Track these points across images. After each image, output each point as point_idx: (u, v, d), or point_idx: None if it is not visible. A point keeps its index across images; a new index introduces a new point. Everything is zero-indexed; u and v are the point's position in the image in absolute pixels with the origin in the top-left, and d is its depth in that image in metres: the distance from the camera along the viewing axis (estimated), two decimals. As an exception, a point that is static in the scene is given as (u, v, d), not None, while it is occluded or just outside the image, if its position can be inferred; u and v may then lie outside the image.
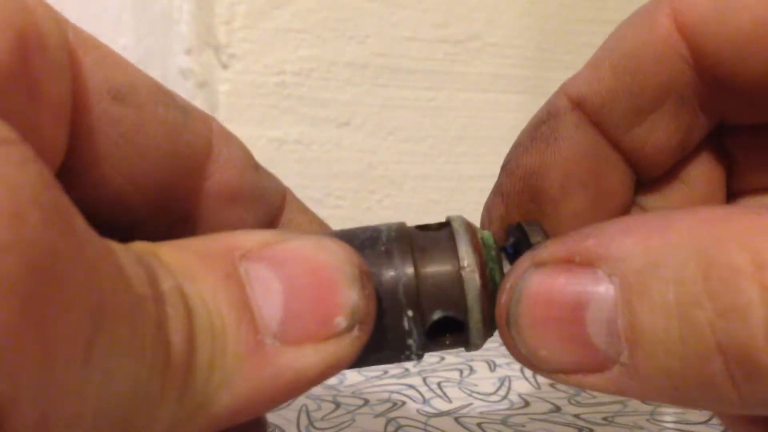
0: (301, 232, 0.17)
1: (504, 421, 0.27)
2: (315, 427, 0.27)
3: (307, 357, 0.13)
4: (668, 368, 0.13)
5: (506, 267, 0.17)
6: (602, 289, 0.13)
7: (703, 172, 0.19)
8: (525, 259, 0.15)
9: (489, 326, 0.16)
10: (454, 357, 0.37)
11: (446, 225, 0.17)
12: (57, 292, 0.09)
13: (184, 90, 0.53)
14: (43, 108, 0.13)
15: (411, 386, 0.32)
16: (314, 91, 0.55)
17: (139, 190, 0.16)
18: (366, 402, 0.30)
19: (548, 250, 0.14)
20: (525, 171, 0.19)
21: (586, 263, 0.14)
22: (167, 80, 0.54)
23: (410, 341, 0.16)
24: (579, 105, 0.19)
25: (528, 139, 0.20)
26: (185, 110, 0.17)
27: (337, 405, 0.30)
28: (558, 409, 0.29)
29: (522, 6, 0.60)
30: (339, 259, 0.14)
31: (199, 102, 0.53)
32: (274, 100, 0.54)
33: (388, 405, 0.30)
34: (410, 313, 0.16)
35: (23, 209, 0.09)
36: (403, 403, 0.30)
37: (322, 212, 0.18)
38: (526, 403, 0.30)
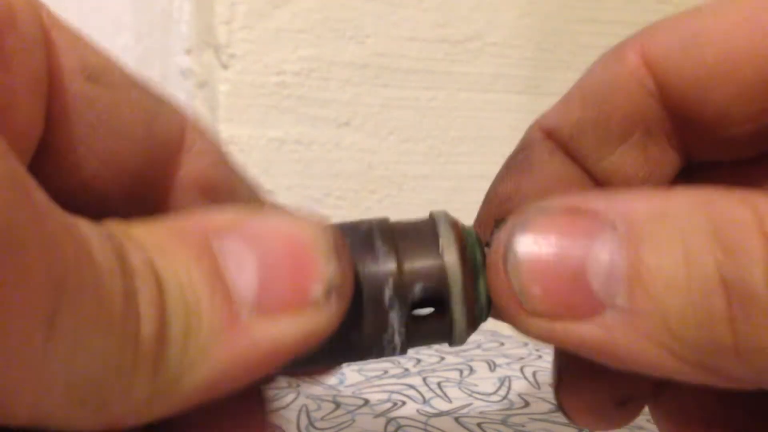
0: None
1: (504, 421, 0.27)
2: (315, 427, 0.27)
3: (284, 327, 0.13)
4: (667, 307, 0.13)
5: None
6: (607, 234, 0.13)
7: None
8: (529, 206, 0.15)
9: (472, 311, 0.16)
10: (454, 357, 0.37)
11: (428, 218, 0.17)
12: (11, 264, 0.09)
13: (184, 90, 0.53)
14: (18, 83, 0.13)
15: (411, 386, 0.32)
16: (314, 91, 0.55)
17: (113, 175, 0.16)
18: (366, 402, 0.30)
19: (553, 200, 0.15)
20: (501, 198, 0.20)
21: (592, 212, 0.14)
22: (167, 80, 0.54)
23: (392, 314, 0.15)
24: (551, 135, 0.19)
25: (504, 168, 0.20)
26: (159, 99, 0.17)
27: (337, 405, 0.30)
28: (558, 409, 0.29)
29: (522, 6, 0.60)
30: (313, 231, 0.14)
31: (199, 102, 0.53)
32: (274, 100, 0.54)
33: (388, 405, 0.30)
34: (390, 281, 0.15)
35: None
36: (403, 403, 0.30)
37: (322, 212, 0.18)
38: (526, 403, 0.30)
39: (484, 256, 0.16)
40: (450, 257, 0.16)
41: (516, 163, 0.20)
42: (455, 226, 0.16)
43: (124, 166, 0.16)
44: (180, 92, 0.54)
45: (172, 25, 0.54)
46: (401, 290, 0.16)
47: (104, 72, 0.15)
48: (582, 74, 0.20)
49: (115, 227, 0.13)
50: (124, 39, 0.53)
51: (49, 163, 0.15)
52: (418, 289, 0.16)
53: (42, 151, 0.15)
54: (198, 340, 0.12)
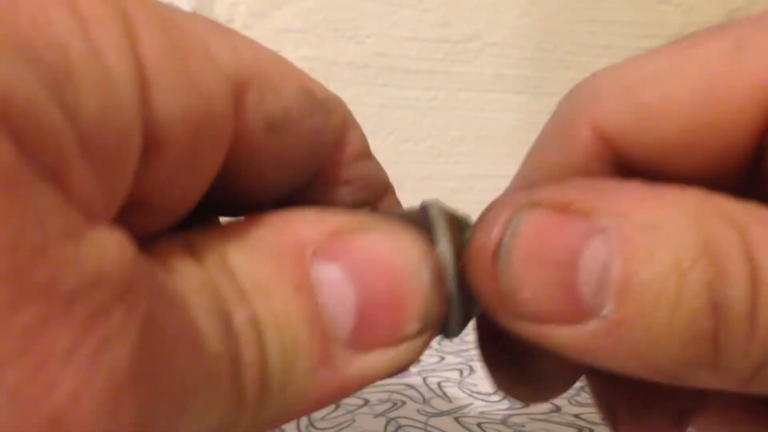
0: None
1: (504, 421, 0.27)
2: (315, 427, 0.27)
3: (375, 361, 0.13)
4: (654, 321, 0.12)
5: None
6: (598, 239, 0.13)
7: None
8: (520, 197, 0.14)
9: (465, 302, 0.16)
10: (454, 357, 0.37)
11: (422, 208, 0.17)
12: (152, 395, 0.09)
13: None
14: (200, 176, 0.13)
15: (411, 386, 0.32)
16: (314, 91, 0.55)
17: (272, 195, 0.16)
18: (366, 402, 0.30)
19: (545, 192, 0.14)
20: None
21: (583, 212, 0.13)
22: (167, 80, 0.54)
23: None
24: None
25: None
26: (326, 106, 0.16)
27: (337, 405, 0.30)
28: (558, 409, 0.29)
29: (522, 6, 0.60)
30: (415, 262, 0.13)
31: (199, 102, 0.53)
32: (274, 100, 0.54)
33: (388, 405, 0.30)
34: None
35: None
36: (403, 403, 0.30)
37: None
38: (526, 403, 0.30)
39: None
40: (443, 247, 0.15)
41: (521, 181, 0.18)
42: (448, 215, 0.16)
43: (284, 186, 0.16)
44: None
45: (172, 25, 0.54)
46: None
47: (284, 117, 0.14)
48: (525, 159, 0.18)
49: (214, 264, 0.12)
50: (124, 39, 0.53)
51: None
52: None
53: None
54: (294, 385, 0.12)
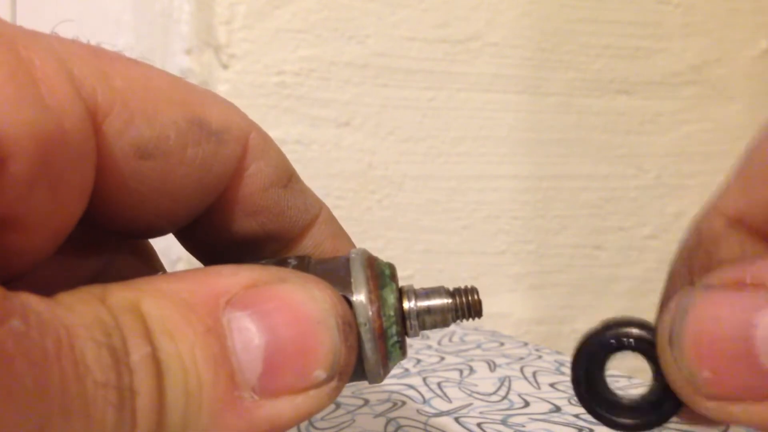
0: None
1: (504, 421, 0.27)
2: (315, 427, 0.27)
3: (284, 407, 0.13)
4: None
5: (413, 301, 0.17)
6: None
7: None
8: (695, 285, 0.14)
9: (383, 352, 0.16)
10: (454, 357, 0.37)
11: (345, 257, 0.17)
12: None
13: (184, 90, 0.53)
14: (65, 194, 0.13)
15: (411, 386, 0.32)
16: (314, 91, 0.55)
17: (167, 219, 0.16)
18: (366, 402, 0.30)
19: (718, 273, 0.14)
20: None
21: (759, 283, 0.13)
22: (167, 80, 0.54)
23: None
24: (737, 223, 0.17)
25: (684, 267, 0.18)
26: (218, 136, 0.16)
27: (337, 405, 0.30)
28: (558, 409, 0.29)
29: (522, 6, 0.60)
30: (323, 309, 0.14)
31: (199, 102, 0.53)
32: (274, 100, 0.54)
33: (388, 405, 0.30)
34: None
35: None
36: (403, 403, 0.30)
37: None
38: (526, 403, 0.30)
39: (400, 292, 0.16)
40: (360, 297, 0.15)
41: (700, 265, 0.17)
42: (370, 265, 0.16)
43: (179, 212, 0.16)
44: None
45: (172, 25, 0.54)
46: None
47: (157, 144, 0.15)
48: (748, 147, 0.16)
49: (124, 305, 0.13)
50: (124, 39, 0.53)
51: (99, 219, 0.15)
52: None
53: (91, 210, 0.15)
54: (197, 426, 0.13)
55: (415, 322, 0.16)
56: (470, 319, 0.17)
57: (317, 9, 0.54)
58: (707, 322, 0.13)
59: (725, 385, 0.13)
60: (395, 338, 0.16)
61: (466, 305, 0.17)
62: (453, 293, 0.17)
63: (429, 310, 0.17)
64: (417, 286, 0.17)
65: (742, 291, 0.13)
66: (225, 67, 0.53)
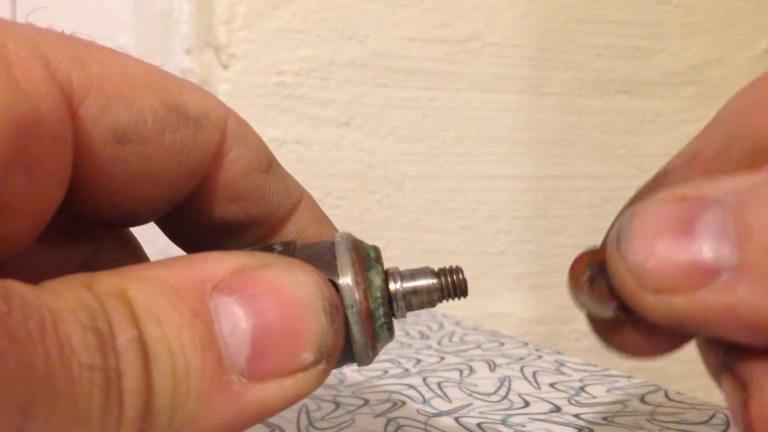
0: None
1: (504, 421, 0.27)
2: (315, 427, 0.27)
3: (273, 390, 0.13)
4: None
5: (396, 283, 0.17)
6: (714, 208, 0.14)
7: None
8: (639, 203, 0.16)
9: (371, 333, 0.16)
10: (454, 357, 0.37)
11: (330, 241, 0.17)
12: None
13: (184, 90, 0.53)
14: (43, 178, 0.13)
15: (411, 386, 0.32)
16: (314, 91, 0.55)
17: (148, 205, 0.17)
18: (366, 402, 0.30)
19: (662, 192, 0.15)
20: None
21: (699, 196, 0.14)
22: (167, 80, 0.54)
23: None
24: (692, 161, 0.19)
25: (635, 195, 0.19)
26: (196, 122, 0.16)
27: (337, 405, 0.30)
28: (558, 409, 0.29)
29: (522, 6, 0.60)
30: (309, 292, 0.14)
31: (199, 102, 0.53)
32: (274, 100, 0.54)
33: (388, 405, 0.30)
34: None
35: None
36: (403, 403, 0.30)
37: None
38: (526, 403, 0.30)
39: (385, 274, 0.16)
40: (346, 280, 0.16)
41: (647, 188, 0.19)
42: (356, 249, 0.16)
43: (159, 197, 0.16)
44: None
45: (172, 25, 0.54)
46: None
47: (135, 128, 0.15)
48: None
49: (111, 290, 0.13)
50: (124, 39, 0.53)
51: (81, 206, 0.16)
52: None
53: (72, 198, 0.15)
54: (185, 408, 0.13)
55: (401, 303, 0.17)
56: (456, 299, 0.17)
57: (317, 9, 0.54)
58: (652, 216, 0.15)
59: (668, 273, 0.14)
60: (383, 319, 0.16)
61: (452, 285, 0.17)
62: (438, 273, 0.17)
63: (415, 291, 0.17)
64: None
65: (683, 199, 0.14)
66: (225, 67, 0.53)
